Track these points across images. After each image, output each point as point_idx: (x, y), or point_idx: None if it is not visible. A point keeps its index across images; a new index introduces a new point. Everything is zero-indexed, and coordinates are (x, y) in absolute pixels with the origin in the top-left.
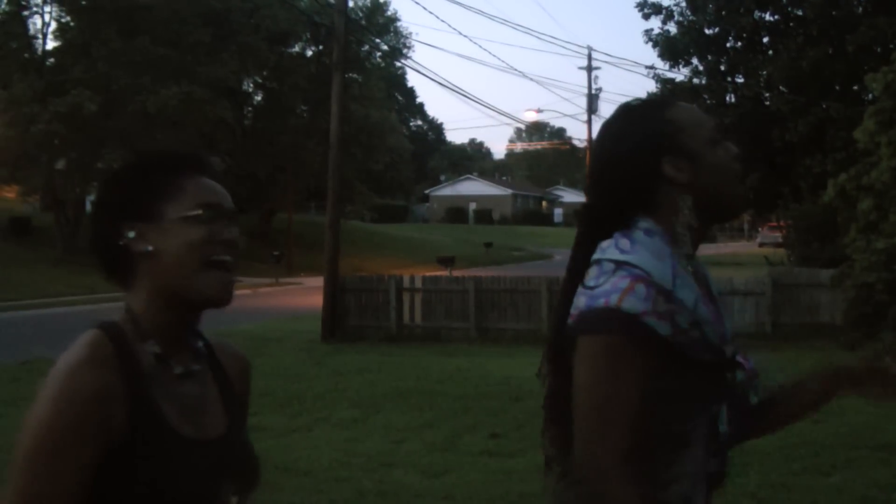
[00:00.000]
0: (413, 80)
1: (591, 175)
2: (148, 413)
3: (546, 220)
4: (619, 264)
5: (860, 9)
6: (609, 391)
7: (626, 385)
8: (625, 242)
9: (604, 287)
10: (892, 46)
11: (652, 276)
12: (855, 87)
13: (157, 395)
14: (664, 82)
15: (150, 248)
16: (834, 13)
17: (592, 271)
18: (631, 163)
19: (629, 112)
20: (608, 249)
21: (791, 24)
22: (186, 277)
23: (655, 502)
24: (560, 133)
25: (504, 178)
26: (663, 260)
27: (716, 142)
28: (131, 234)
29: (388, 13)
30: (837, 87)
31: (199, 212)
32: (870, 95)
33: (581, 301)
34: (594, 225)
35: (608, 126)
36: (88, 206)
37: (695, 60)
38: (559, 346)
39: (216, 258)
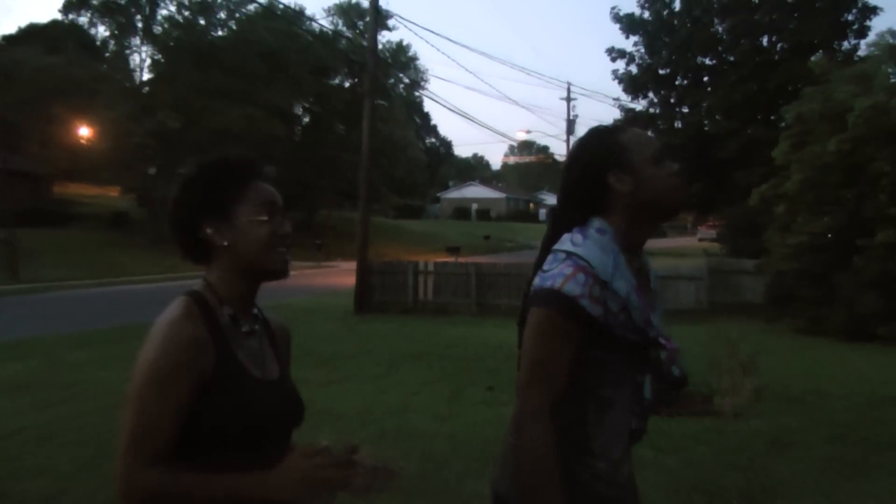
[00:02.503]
0: (428, 105)
1: (561, 181)
2: (230, 358)
3: (533, 217)
4: (569, 255)
5: (777, 56)
6: (543, 353)
7: (556, 350)
8: (578, 237)
9: (553, 272)
10: (800, 86)
11: (593, 267)
12: (773, 117)
13: (233, 345)
14: (627, 111)
15: (226, 242)
16: (758, 59)
17: (549, 258)
18: (585, 174)
19: (591, 134)
20: (565, 242)
21: (725, 66)
22: (257, 261)
23: (557, 445)
24: (545, 149)
25: (500, 184)
26: (607, 254)
27: (657, 160)
28: (209, 231)
29: (409, 53)
30: (760, 116)
31: (265, 217)
32: (784, 123)
33: (536, 281)
34: (559, 222)
35: (576, 143)
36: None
37: (651, 94)
38: (524, 317)
39: (279, 249)
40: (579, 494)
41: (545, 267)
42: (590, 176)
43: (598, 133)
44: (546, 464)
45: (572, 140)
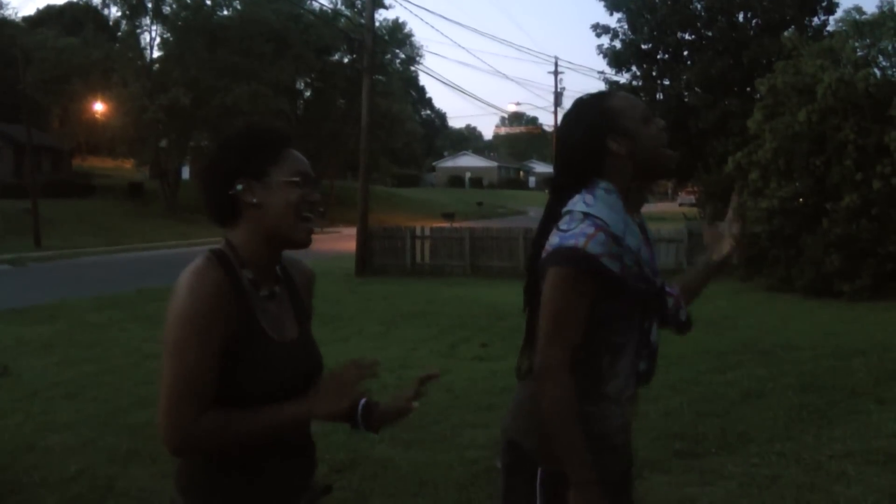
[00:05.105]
0: (423, 80)
1: (556, 152)
2: (250, 318)
3: (522, 185)
4: (586, 215)
5: (752, 32)
6: (564, 309)
7: (577, 305)
8: (589, 198)
9: (574, 231)
10: (773, 60)
11: (609, 226)
12: (748, 89)
13: (253, 307)
14: (611, 84)
15: (255, 200)
16: (734, 34)
17: (565, 218)
18: (583, 142)
19: (580, 104)
20: (578, 203)
21: (704, 41)
22: (284, 225)
23: (574, 391)
24: (534, 121)
25: (491, 154)
26: (617, 213)
27: (647, 119)
28: (240, 187)
29: (405, 31)
30: (736, 89)
31: (297, 179)
32: (758, 95)
33: (554, 240)
34: (561, 188)
35: (566, 115)
36: (184, 175)
37: (634, 68)
38: (533, 278)
39: (305, 215)
40: (591, 443)
41: (563, 226)
42: (589, 143)
43: (589, 101)
44: (568, 413)
45: (560, 111)
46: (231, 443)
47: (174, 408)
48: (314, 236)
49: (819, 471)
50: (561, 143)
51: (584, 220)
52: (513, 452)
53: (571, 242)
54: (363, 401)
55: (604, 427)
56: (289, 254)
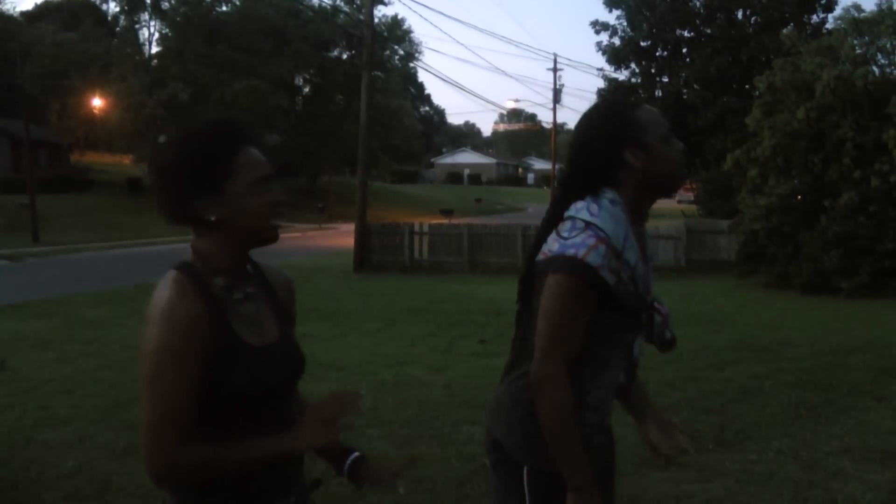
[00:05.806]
0: (422, 76)
1: (570, 149)
2: (226, 332)
3: (521, 182)
4: (588, 224)
5: (751, 30)
6: (563, 318)
7: (575, 316)
8: (594, 207)
9: (574, 240)
10: (771, 58)
11: (610, 238)
12: (747, 86)
13: (228, 316)
14: (610, 81)
15: (214, 218)
16: (733, 32)
17: (567, 224)
18: (600, 146)
19: (607, 106)
20: (581, 211)
21: (702, 39)
22: (252, 232)
23: (575, 403)
24: (532, 117)
25: (490, 150)
26: (619, 225)
27: (667, 139)
28: (198, 206)
29: (405, 27)
30: (735, 86)
31: (255, 187)
32: (757, 92)
33: (554, 246)
34: (569, 189)
35: (590, 113)
36: None
37: (633, 65)
38: (528, 278)
39: (271, 220)
40: None
41: (564, 234)
42: (606, 148)
43: (614, 107)
44: (567, 419)
45: (558, 108)
46: (212, 476)
47: (156, 440)
48: (314, 233)
49: (816, 468)
50: (578, 140)
51: (586, 230)
52: (498, 451)
53: (571, 252)
54: (355, 454)
55: (584, 435)
56: (267, 260)
